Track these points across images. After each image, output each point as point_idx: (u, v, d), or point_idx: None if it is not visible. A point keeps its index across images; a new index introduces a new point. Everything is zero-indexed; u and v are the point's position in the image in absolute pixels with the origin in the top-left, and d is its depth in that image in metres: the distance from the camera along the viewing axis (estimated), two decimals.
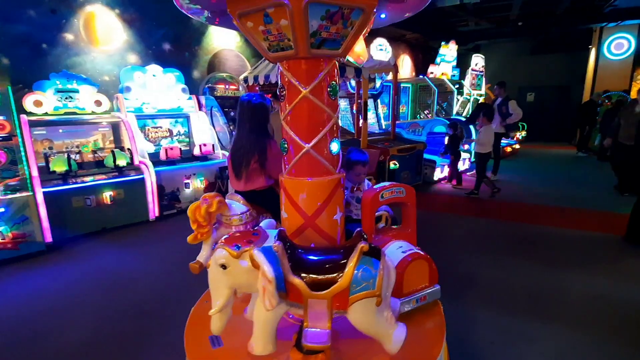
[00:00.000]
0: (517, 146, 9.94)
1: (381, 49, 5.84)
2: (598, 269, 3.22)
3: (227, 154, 5.26)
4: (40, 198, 3.71)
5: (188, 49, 6.59)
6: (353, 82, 6.55)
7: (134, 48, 5.92)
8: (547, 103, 13.11)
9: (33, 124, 4.11)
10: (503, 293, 2.85)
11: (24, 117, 4.03)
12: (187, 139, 5.49)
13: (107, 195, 4.25)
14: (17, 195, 3.55)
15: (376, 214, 2.06)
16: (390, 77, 7.09)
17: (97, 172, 4.39)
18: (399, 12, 1.95)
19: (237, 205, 2.03)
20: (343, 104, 8.10)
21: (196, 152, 5.21)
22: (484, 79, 10.36)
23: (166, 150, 4.91)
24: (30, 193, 3.63)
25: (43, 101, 4.28)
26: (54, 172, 4.05)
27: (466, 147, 7.08)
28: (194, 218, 1.81)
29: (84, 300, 2.83)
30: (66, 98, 4.45)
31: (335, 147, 1.75)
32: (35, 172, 3.78)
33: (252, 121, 2.24)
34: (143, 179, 4.50)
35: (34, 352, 2.23)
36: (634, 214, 3.77)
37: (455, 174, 6.45)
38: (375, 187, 1.97)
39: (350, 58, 1.67)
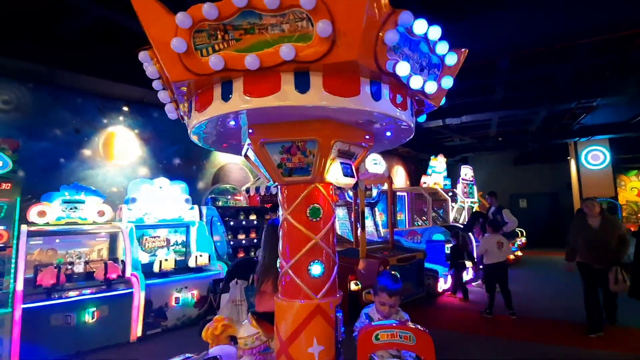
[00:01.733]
0: (520, 253, 9.79)
1: (375, 163, 6.29)
2: None
3: (223, 265, 5.13)
4: (18, 316, 3.45)
5: (196, 163, 7.07)
6: (350, 192, 6.85)
7: (146, 162, 6.36)
8: (539, 209, 13.46)
9: (31, 234, 4.10)
10: None
11: (23, 227, 4.06)
12: (184, 249, 5.42)
13: (90, 312, 3.97)
14: (2, 312, 3.32)
15: None
16: (385, 187, 7.44)
17: (85, 285, 4.19)
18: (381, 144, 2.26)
19: (246, 328, 2.04)
20: (341, 212, 8.32)
21: (191, 263, 5.08)
22: (475, 187, 10.87)
23: (160, 262, 4.78)
24: (9, 310, 3.40)
25: (47, 211, 4.36)
26: (40, 285, 3.86)
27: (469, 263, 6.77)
28: (205, 338, 2.01)
29: None
30: (71, 209, 4.55)
31: (317, 269, 1.73)
32: (20, 287, 3.61)
33: (272, 242, 2.28)
34: (131, 293, 4.26)
35: None
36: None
37: (459, 286, 6.16)
38: (375, 323, 1.84)
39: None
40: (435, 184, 9.52)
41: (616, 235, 4.17)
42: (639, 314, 4.56)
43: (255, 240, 5.94)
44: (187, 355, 1.85)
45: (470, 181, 10.82)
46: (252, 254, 5.72)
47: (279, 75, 1.49)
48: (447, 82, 1.87)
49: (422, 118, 2.23)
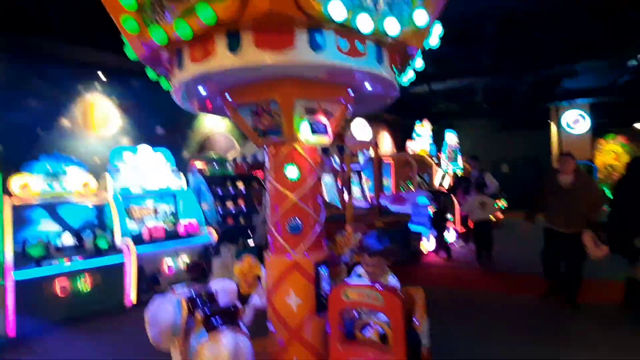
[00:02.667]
0: (501, 216, 10.19)
1: (361, 128, 6.30)
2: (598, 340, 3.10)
3: (214, 231, 5.21)
4: (10, 285, 3.48)
5: (180, 132, 6.93)
6: (337, 159, 6.89)
7: (128, 132, 6.21)
8: (521, 173, 13.88)
9: (17, 208, 4.04)
10: None
11: (7, 199, 3.98)
12: (173, 218, 5.45)
13: (82, 280, 4.03)
14: None
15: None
16: (372, 153, 7.51)
17: (75, 254, 4.21)
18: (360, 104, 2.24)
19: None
20: (329, 179, 8.41)
21: (181, 230, 5.13)
22: (459, 153, 11.05)
23: (149, 230, 4.83)
24: (1, 283, 3.42)
25: (30, 183, 4.27)
26: (30, 256, 3.87)
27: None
28: (236, 274, 2.06)
29: None
30: (53, 180, 4.47)
31: (295, 227, 1.82)
32: (9, 257, 3.61)
33: None
34: (123, 261, 4.33)
35: None
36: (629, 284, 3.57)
37: (442, 247, 6.47)
38: (347, 280, 1.89)
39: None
40: (420, 150, 9.64)
41: (592, 195, 3.78)
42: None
43: (244, 208, 5.99)
44: (189, 288, 1.92)
45: (455, 147, 10.98)
46: (242, 221, 5.79)
47: (213, 39, 1.48)
48: (421, 17, 1.61)
49: (405, 76, 2.16)
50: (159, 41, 1.49)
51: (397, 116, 12.20)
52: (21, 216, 4.14)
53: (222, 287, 1.93)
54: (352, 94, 1.79)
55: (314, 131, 1.76)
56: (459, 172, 10.60)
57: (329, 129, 1.82)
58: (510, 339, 3.25)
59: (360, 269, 2.06)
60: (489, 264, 5.80)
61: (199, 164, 6.31)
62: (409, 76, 2.09)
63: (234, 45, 1.45)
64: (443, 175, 10.11)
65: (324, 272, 1.82)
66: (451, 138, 10.40)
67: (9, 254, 3.62)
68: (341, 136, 5.90)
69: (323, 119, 1.79)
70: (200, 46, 1.51)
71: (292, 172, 1.79)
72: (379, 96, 2.13)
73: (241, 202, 6.08)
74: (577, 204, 3.66)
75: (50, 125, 5.37)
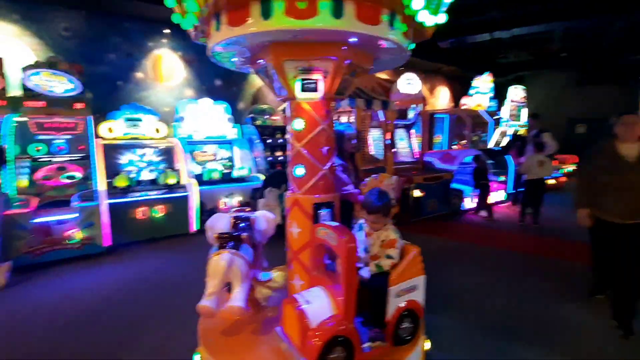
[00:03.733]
0: (563, 179, 9.48)
1: (409, 83, 6.17)
2: None
3: (262, 176, 5.79)
4: (104, 208, 4.41)
5: (236, 84, 7.43)
6: (383, 114, 6.90)
7: (191, 84, 6.85)
8: (599, 135, 12.36)
9: (106, 147, 4.94)
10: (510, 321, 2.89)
11: (98, 141, 4.87)
12: (229, 163, 6.13)
13: (157, 208, 4.90)
14: (87, 204, 4.27)
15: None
16: (421, 108, 7.36)
17: (151, 188, 5.09)
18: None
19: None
20: (377, 133, 8.46)
21: (235, 174, 5.80)
22: (524, 109, 10.18)
23: (210, 172, 5.55)
24: (97, 203, 4.35)
25: (114, 128, 5.14)
26: (116, 187, 4.79)
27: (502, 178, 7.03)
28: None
29: (133, 296, 3.33)
30: (133, 126, 5.30)
31: (299, 171, 2.10)
32: (101, 187, 4.52)
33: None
34: (187, 196, 5.12)
35: (91, 329, 2.73)
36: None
37: (483, 206, 6.38)
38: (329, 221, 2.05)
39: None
40: (478, 105, 9.08)
41: None
42: None
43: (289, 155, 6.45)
44: (240, 210, 2.39)
45: (521, 103, 10.11)
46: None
47: (248, 7, 1.63)
48: None
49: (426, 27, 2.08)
50: (192, 9, 1.75)
51: (458, 68, 11.36)
52: (110, 155, 5.05)
53: (263, 215, 2.37)
54: (346, 50, 1.82)
55: (303, 89, 1.92)
56: (522, 131, 9.87)
57: (320, 86, 1.92)
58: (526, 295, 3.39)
59: (363, 222, 2.21)
60: (531, 226, 5.68)
61: (252, 115, 6.82)
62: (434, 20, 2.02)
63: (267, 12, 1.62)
64: (502, 133, 9.53)
65: (324, 211, 2.10)
66: (515, 93, 9.56)
67: (102, 184, 4.53)
68: (387, 91, 5.89)
69: (315, 76, 1.93)
70: (235, 12, 1.70)
71: (298, 124, 2.06)
72: (389, 55, 2.16)
73: (288, 152, 6.53)
74: None
75: (127, 78, 6.17)
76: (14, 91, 4.62)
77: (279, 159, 6.41)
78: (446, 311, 2.98)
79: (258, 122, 6.76)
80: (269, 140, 6.43)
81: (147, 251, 4.56)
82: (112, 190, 4.74)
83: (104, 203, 4.42)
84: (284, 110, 7.16)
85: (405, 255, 2.00)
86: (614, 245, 2.77)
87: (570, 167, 10.65)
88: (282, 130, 6.71)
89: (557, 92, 13.00)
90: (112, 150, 5.08)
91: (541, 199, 5.74)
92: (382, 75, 6.54)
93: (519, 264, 4.17)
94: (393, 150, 6.21)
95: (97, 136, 4.94)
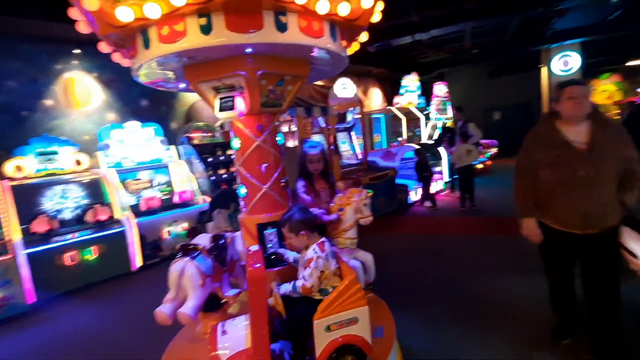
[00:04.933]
0: (489, 162, 10.44)
1: (344, 87, 6.32)
2: None
3: (207, 199, 5.45)
4: (22, 260, 3.78)
5: (165, 103, 6.95)
6: (323, 120, 6.97)
7: (113, 106, 6.24)
8: (512, 120, 13.93)
9: (15, 188, 4.25)
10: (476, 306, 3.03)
11: (4, 182, 4.19)
12: (169, 188, 5.68)
13: (89, 250, 4.34)
14: (1, 258, 3.63)
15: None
16: (358, 110, 7.58)
17: (79, 228, 4.50)
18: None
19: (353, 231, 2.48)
20: (318, 139, 8.54)
21: (176, 199, 5.38)
22: (449, 104, 11.03)
23: (146, 200, 5.08)
24: (12, 255, 3.71)
25: (23, 165, 4.45)
26: (35, 233, 4.15)
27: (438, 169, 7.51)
28: None
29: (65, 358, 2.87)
30: (47, 160, 4.64)
31: (242, 191, 2.14)
32: (17, 236, 3.88)
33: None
34: (124, 231, 4.62)
35: None
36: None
37: (427, 197, 6.75)
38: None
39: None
40: (409, 103, 9.63)
41: (629, 156, 1.94)
42: None
43: (235, 174, 6.20)
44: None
45: (445, 98, 10.93)
46: (235, 186, 6.03)
47: (184, 20, 1.56)
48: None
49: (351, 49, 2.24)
50: (123, 20, 1.54)
51: (387, 70, 11.98)
52: (22, 197, 4.35)
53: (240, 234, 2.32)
54: (252, 64, 1.79)
55: (221, 108, 1.84)
56: (449, 124, 10.67)
57: (239, 103, 1.83)
58: (484, 277, 3.60)
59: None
60: (471, 209, 6.15)
61: (187, 134, 6.42)
62: (354, 48, 2.22)
63: (205, 27, 1.55)
64: (433, 127, 10.20)
65: (269, 231, 2.03)
66: (439, 89, 10.33)
67: (16, 232, 3.89)
68: (324, 97, 5.96)
69: (230, 94, 1.87)
70: (170, 27, 1.58)
71: (235, 143, 2.06)
72: (330, 67, 2.23)
73: (233, 169, 6.27)
74: (604, 179, 1.93)
75: (34, 106, 5.42)
76: None
77: (223, 177, 6.11)
78: (411, 305, 3.04)
79: (195, 141, 6.39)
80: (210, 159, 6.10)
81: (81, 301, 4.00)
82: (30, 238, 4.09)
83: (21, 254, 3.79)
84: (222, 126, 6.87)
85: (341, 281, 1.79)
86: (573, 260, 2.16)
87: (491, 152, 11.81)
88: (223, 146, 6.43)
89: (474, 85, 14.36)
90: (24, 192, 4.39)
91: (472, 183, 6.26)
92: (318, 83, 6.60)
93: (467, 246, 4.44)
94: (337, 154, 6.29)
95: (2, 177, 4.25)
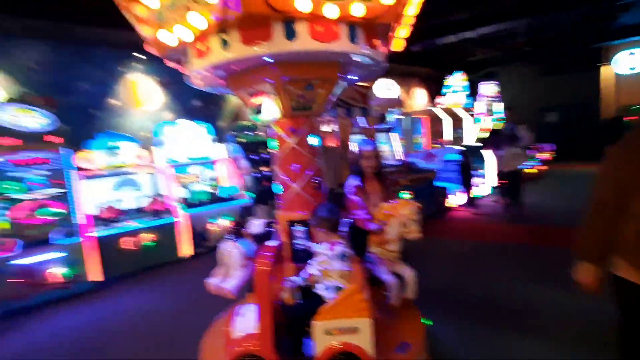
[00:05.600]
0: (544, 167, 9.79)
1: (386, 88, 6.30)
2: None
3: (250, 194, 5.74)
4: (89, 242, 4.27)
5: (214, 103, 7.39)
6: (363, 120, 6.99)
7: (169, 106, 6.77)
8: (570, 121, 12.93)
9: (85, 178, 4.79)
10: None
11: (77, 173, 4.73)
12: (215, 183, 6.05)
13: (145, 237, 4.78)
14: (71, 240, 4.12)
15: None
16: (400, 110, 7.51)
17: (138, 216, 4.96)
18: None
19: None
20: (359, 140, 8.56)
21: (222, 194, 5.72)
22: (498, 104, 10.51)
23: (196, 194, 5.46)
24: (81, 239, 4.20)
25: (93, 158, 5.00)
26: (101, 219, 4.65)
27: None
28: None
29: (127, 333, 3.21)
30: (111, 154, 5.17)
31: (277, 188, 2.29)
32: (85, 221, 4.38)
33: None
34: (176, 221, 5.02)
35: None
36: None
37: (473, 201, 6.51)
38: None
39: None
40: (454, 103, 9.33)
41: None
42: None
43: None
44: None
45: (494, 97, 10.44)
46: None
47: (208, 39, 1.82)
48: None
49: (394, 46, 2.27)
50: (168, 43, 1.89)
51: (432, 69, 11.68)
52: (91, 186, 4.90)
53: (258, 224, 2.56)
54: (276, 72, 1.93)
55: (255, 112, 2.12)
56: (498, 125, 10.17)
57: (267, 107, 2.07)
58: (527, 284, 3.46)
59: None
60: (517, 216, 5.84)
61: (233, 133, 6.77)
62: (397, 46, 2.21)
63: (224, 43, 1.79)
64: (479, 129, 9.80)
65: (298, 229, 2.16)
66: (487, 89, 9.88)
67: (84, 217, 4.39)
68: (365, 97, 5.99)
69: (259, 99, 2.08)
70: (200, 45, 1.88)
71: (273, 143, 2.25)
72: (366, 68, 2.26)
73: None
74: None
75: (101, 105, 6.04)
76: None
77: (265, 174, 6.37)
78: (452, 315, 3.00)
79: (241, 139, 6.71)
80: (254, 157, 6.40)
81: (137, 283, 4.43)
82: (97, 223, 4.59)
83: (89, 237, 4.28)
84: (266, 126, 7.15)
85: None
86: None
87: (544, 156, 11.05)
88: (266, 145, 6.69)
89: (527, 84, 13.52)
90: (92, 181, 4.93)
91: (519, 189, 5.95)
92: (359, 83, 6.65)
93: (512, 254, 4.26)
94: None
95: (74, 168, 4.80)
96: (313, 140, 2.24)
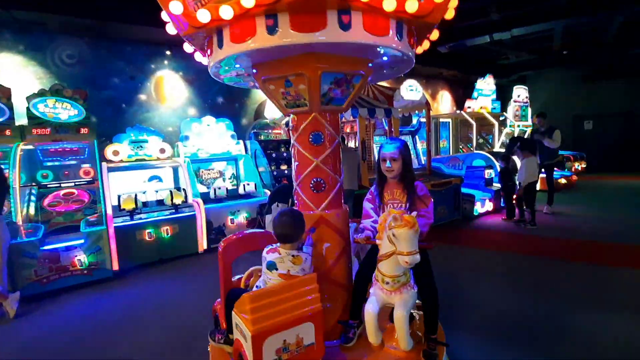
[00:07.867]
0: (574, 178, 9.28)
1: (412, 89, 6.13)
2: None
3: (268, 192, 5.74)
4: (111, 232, 4.39)
5: (238, 101, 7.47)
6: (387, 122, 6.86)
7: (193, 103, 6.90)
8: (608, 131, 12.20)
9: (111, 170, 4.95)
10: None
11: (104, 164, 4.89)
12: (235, 179, 6.10)
13: (165, 229, 4.87)
14: (95, 229, 4.25)
15: None
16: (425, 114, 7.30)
17: (158, 209, 5.06)
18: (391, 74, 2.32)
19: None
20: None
21: (241, 191, 5.76)
22: (529, 109, 10.07)
23: (215, 189, 5.52)
24: (104, 227, 4.32)
25: (120, 150, 5.16)
26: (123, 209, 4.77)
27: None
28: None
29: (145, 321, 3.26)
30: (138, 147, 5.31)
31: (318, 187, 2.12)
32: (110, 210, 4.51)
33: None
34: (194, 215, 5.08)
35: (104, 356, 2.66)
36: None
37: (511, 208, 6.19)
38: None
39: None
40: (481, 107, 9.00)
41: None
42: None
43: None
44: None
45: (525, 103, 10.00)
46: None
47: (253, 21, 1.64)
48: None
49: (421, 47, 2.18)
50: (202, 20, 1.69)
51: (459, 72, 11.33)
52: (116, 177, 5.05)
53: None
54: (314, 64, 1.82)
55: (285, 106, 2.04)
56: (529, 131, 9.74)
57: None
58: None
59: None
60: (523, 227, 5.70)
61: (255, 130, 6.82)
62: (424, 47, 2.14)
63: (273, 27, 1.62)
64: (508, 135, 9.41)
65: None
66: (519, 94, 9.48)
67: (109, 207, 4.52)
68: (389, 98, 5.86)
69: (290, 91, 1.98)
70: (240, 27, 1.70)
71: (316, 138, 2.05)
72: (396, 67, 2.18)
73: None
74: None
75: (131, 100, 6.24)
76: (21, 120, 4.67)
77: (285, 172, 6.37)
78: (469, 325, 2.85)
79: (261, 137, 6.75)
80: (274, 154, 6.41)
81: (155, 273, 4.50)
82: (119, 213, 4.72)
83: (112, 227, 4.39)
84: (286, 124, 7.16)
85: None
86: None
87: (576, 165, 10.48)
88: (286, 143, 6.69)
89: (562, 90, 12.87)
90: (118, 173, 5.08)
91: (531, 201, 5.74)
92: (383, 84, 6.52)
93: (543, 269, 4.02)
94: None
95: (103, 160, 4.96)
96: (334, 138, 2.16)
